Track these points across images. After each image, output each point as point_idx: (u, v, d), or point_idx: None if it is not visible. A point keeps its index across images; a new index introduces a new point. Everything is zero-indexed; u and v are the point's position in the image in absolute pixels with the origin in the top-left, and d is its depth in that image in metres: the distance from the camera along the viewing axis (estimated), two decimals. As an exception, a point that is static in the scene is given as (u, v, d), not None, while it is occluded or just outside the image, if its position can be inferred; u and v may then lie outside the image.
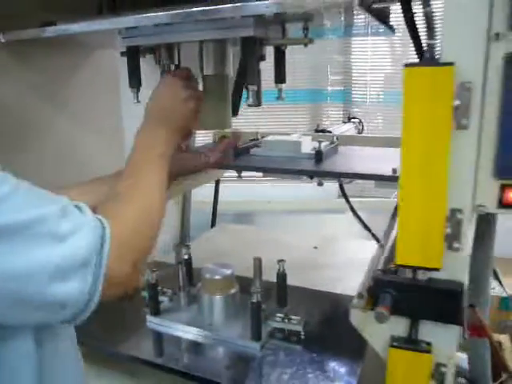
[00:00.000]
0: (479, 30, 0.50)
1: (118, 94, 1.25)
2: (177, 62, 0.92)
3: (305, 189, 2.24)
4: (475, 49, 0.50)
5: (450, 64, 0.50)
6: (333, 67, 2.45)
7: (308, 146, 1.12)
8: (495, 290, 2.21)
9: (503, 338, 1.19)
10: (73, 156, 1.12)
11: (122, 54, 0.90)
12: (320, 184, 1.13)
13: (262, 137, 1.21)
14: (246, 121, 2.39)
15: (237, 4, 0.62)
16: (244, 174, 1.80)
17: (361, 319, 0.62)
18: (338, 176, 1.06)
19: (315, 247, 1.52)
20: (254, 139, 1.21)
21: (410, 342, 0.59)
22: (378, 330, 0.61)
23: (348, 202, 1.50)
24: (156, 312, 0.98)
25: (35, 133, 1.04)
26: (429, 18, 0.52)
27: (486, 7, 0.49)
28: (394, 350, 0.59)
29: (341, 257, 1.44)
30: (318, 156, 1.05)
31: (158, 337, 0.97)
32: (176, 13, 0.70)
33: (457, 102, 0.50)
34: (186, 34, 0.79)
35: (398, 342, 0.59)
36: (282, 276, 1.01)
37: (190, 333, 0.94)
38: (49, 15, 0.86)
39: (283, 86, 0.89)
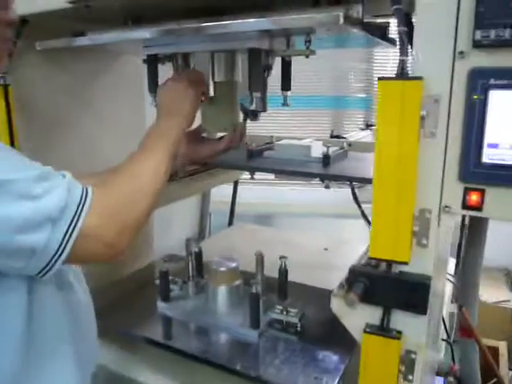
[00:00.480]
0: (446, 48, 0.56)
1: (143, 96, 1.34)
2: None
3: (322, 193, 2.29)
4: (443, 65, 0.56)
5: (419, 78, 0.56)
6: (356, 74, 2.50)
7: (318, 150, 1.18)
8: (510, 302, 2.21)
9: (501, 344, 1.22)
10: (97, 152, 1.22)
11: (144, 61, 0.99)
12: (327, 187, 1.19)
13: (277, 140, 1.28)
14: (274, 124, 2.47)
15: (241, 21, 0.70)
16: (262, 177, 1.88)
17: (340, 307, 0.68)
18: (343, 179, 1.12)
19: (325, 249, 1.57)
20: (268, 143, 1.28)
21: (382, 329, 0.65)
22: (355, 317, 0.67)
23: (359, 206, 1.55)
24: (165, 298, 1.06)
25: (64, 129, 1.14)
26: (402, 37, 0.58)
27: (453, 28, 0.55)
28: (367, 336, 0.65)
29: (350, 259, 1.48)
30: (326, 160, 1.11)
31: (167, 321, 1.05)
32: (187, 27, 0.77)
33: (423, 113, 0.56)
34: (199, 44, 0.87)
35: (371, 329, 0.65)
36: (283, 272, 1.07)
37: (194, 318, 1.02)
38: (78, 25, 0.95)
39: (288, 93, 0.96)
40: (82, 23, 0.96)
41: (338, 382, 0.83)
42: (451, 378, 0.96)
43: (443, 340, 1.17)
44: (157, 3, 0.82)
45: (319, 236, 1.76)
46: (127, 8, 0.90)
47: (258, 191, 2.46)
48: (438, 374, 0.93)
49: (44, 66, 1.06)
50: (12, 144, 0.98)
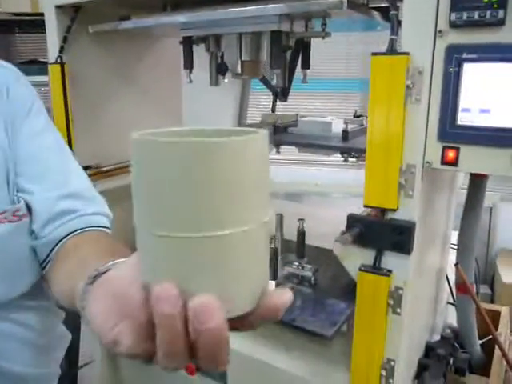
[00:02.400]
0: (429, 28, 0.66)
1: (179, 77, 1.49)
2: (222, 50, 1.13)
3: (349, 174, 2.39)
4: (425, 42, 0.67)
5: (406, 54, 0.67)
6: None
7: (339, 127, 1.30)
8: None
9: (504, 309, 1.30)
10: (138, 125, 1.37)
11: (180, 42, 1.13)
12: (345, 160, 1.31)
13: (301, 118, 1.41)
14: (302, 105, 2.59)
15: (258, 6, 0.82)
16: (292, 157, 1.98)
17: (341, 251, 0.80)
18: (358, 151, 1.23)
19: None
20: (293, 120, 1.41)
21: (375, 268, 0.77)
22: (353, 260, 0.79)
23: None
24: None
25: (110, 104, 1.29)
26: (393, 19, 0.69)
27: (434, 11, 0.66)
28: (361, 274, 0.77)
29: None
30: (345, 135, 1.23)
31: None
32: (218, 12, 0.90)
33: (408, 82, 0.67)
34: (229, 27, 0.99)
35: (365, 268, 0.77)
36: (301, 232, 1.20)
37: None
38: (124, 11, 1.10)
39: (308, 71, 1.08)
40: (127, 9, 1.10)
41: (344, 321, 0.96)
42: (448, 330, 1.07)
43: (449, 303, 1.28)
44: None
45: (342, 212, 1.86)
46: (167, -5, 1.04)
47: (288, 171, 2.58)
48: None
49: (95, 47, 1.21)
50: (66, 114, 1.13)
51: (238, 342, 0.98)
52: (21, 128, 0.66)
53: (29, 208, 0.66)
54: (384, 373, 0.80)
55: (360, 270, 0.77)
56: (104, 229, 0.69)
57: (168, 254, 0.31)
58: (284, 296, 0.34)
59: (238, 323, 0.34)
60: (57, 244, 0.65)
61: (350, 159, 1.30)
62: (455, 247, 1.06)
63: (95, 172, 1.23)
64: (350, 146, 1.18)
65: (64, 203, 0.67)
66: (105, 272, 0.45)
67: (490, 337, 1.11)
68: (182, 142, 0.30)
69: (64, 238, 0.65)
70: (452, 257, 1.10)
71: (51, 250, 0.65)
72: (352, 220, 0.76)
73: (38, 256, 0.67)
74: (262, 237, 0.34)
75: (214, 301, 0.29)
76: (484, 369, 1.09)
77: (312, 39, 1.07)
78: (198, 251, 0.30)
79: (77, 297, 0.47)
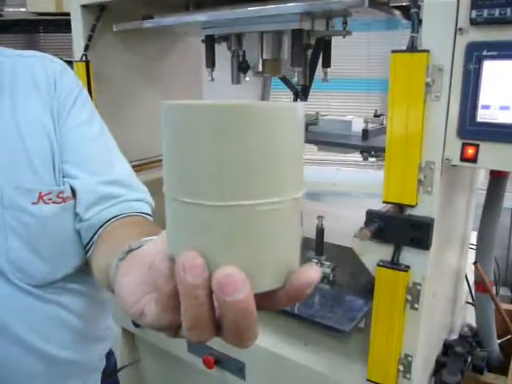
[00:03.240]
0: (449, 25, 0.67)
1: (201, 74, 1.51)
2: (244, 48, 1.14)
3: (368, 175, 2.39)
4: (446, 40, 0.67)
5: (426, 51, 0.68)
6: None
7: (359, 126, 1.30)
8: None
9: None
10: (159, 124, 1.39)
11: (202, 41, 1.15)
12: (365, 159, 1.31)
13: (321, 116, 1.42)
14: (322, 104, 2.60)
15: (279, 5, 0.84)
16: (310, 156, 1.96)
17: (359, 246, 0.81)
18: (378, 150, 1.23)
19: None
20: (314, 119, 1.42)
21: (393, 264, 0.77)
22: (371, 255, 0.80)
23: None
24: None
25: (132, 103, 1.32)
26: (414, 17, 0.70)
27: (454, 9, 0.66)
28: (380, 269, 0.78)
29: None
30: (365, 134, 1.23)
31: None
32: (239, 11, 0.92)
33: (428, 80, 0.68)
34: (250, 26, 1.01)
35: (383, 263, 0.78)
36: (320, 230, 1.21)
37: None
38: (148, 10, 1.12)
39: (328, 69, 1.09)
40: (151, 8, 1.13)
41: (362, 317, 0.96)
42: (466, 328, 1.07)
43: (467, 303, 1.27)
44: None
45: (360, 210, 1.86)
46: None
47: (307, 171, 2.58)
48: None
49: (118, 46, 1.24)
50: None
51: (257, 336, 1.00)
52: (67, 118, 0.70)
53: (74, 192, 0.69)
54: (401, 368, 0.81)
55: (378, 265, 0.78)
56: (146, 215, 0.72)
57: (194, 223, 0.30)
58: (312, 273, 0.33)
59: (266, 301, 0.33)
60: (100, 228, 0.67)
61: (370, 158, 1.31)
62: (474, 247, 1.06)
63: (118, 168, 1.25)
64: (370, 145, 1.18)
65: (108, 188, 0.69)
66: (137, 248, 0.46)
67: (509, 336, 1.11)
68: (215, 106, 0.29)
69: (107, 221, 0.67)
70: (471, 257, 1.09)
71: (94, 234, 0.68)
72: (371, 216, 0.77)
73: (82, 239, 0.70)
74: (294, 213, 0.33)
75: (239, 272, 0.29)
76: (502, 368, 1.09)
77: (333, 38, 1.08)
78: (225, 221, 0.30)
79: (110, 274, 0.48)
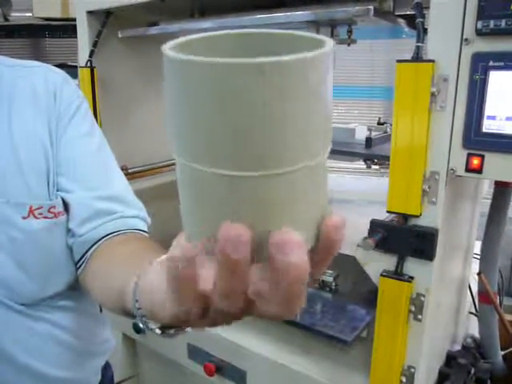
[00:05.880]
0: (455, 36, 0.67)
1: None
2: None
3: (371, 182, 2.39)
4: (451, 50, 0.67)
5: (431, 61, 0.68)
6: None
7: (363, 134, 1.30)
8: None
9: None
10: (163, 130, 1.39)
11: (207, 48, 1.15)
12: (369, 167, 1.31)
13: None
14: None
15: (285, 13, 0.84)
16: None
17: (363, 255, 0.80)
18: (382, 158, 1.23)
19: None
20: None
21: (396, 274, 0.77)
22: (374, 264, 0.79)
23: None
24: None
25: (136, 109, 1.32)
26: (419, 27, 0.69)
27: (460, 20, 0.66)
28: (383, 279, 0.78)
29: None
30: (368, 142, 1.23)
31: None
32: (244, 18, 0.92)
33: (433, 90, 0.68)
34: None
35: (387, 273, 0.78)
36: (323, 237, 1.20)
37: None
38: (153, 17, 1.12)
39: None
40: (156, 15, 1.13)
41: (364, 327, 0.96)
42: (469, 339, 1.06)
43: (470, 313, 1.26)
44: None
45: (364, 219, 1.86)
46: (195, 2, 1.06)
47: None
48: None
49: (123, 52, 1.25)
50: (95, 117, 1.16)
51: (258, 345, 0.99)
52: (66, 130, 0.67)
53: (67, 207, 0.66)
54: (404, 379, 0.80)
55: (382, 275, 0.78)
56: (142, 232, 0.69)
57: (230, 194, 0.27)
58: (334, 217, 0.30)
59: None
60: (94, 244, 0.65)
61: (373, 166, 1.30)
62: (478, 257, 1.05)
63: (121, 174, 1.26)
64: (373, 153, 1.18)
65: (103, 204, 0.67)
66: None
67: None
68: (239, 63, 0.24)
69: (102, 238, 0.65)
70: (475, 267, 1.09)
71: (88, 250, 0.65)
72: (375, 225, 0.76)
73: (74, 255, 0.67)
74: (326, 171, 0.31)
75: (294, 233, 0.27)
76: (506, 380, 1.08)
77: (337, 46, 1.08)
78: (269, 190, 0.27)
79: (128, 298, 0.46)
